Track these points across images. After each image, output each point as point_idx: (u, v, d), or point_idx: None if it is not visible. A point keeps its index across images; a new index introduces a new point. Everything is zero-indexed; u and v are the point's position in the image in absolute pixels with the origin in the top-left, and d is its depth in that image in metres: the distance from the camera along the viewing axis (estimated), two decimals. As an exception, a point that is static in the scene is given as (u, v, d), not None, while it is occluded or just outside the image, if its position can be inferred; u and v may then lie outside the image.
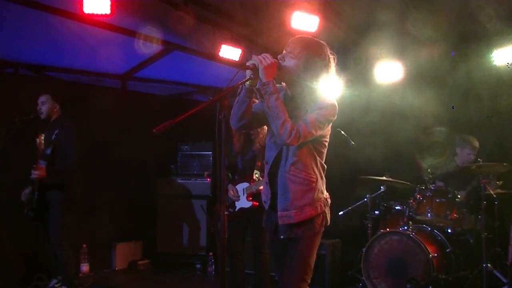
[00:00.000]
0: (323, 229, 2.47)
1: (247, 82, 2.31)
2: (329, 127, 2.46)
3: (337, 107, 2.41)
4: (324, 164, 2.50)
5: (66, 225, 4.20)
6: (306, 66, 2.37)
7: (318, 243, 2.48)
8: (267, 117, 2.39)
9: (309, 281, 2.43)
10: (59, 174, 4.14)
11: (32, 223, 4.33)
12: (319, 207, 2.42)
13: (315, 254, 2.47)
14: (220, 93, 2.16)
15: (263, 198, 2.61)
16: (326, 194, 2.50)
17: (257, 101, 2.51)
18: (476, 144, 4.70)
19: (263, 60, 2.27)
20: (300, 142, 2.30)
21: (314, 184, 2.42)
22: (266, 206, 2.57)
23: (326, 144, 2.50)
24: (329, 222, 2.50)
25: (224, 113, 2.13)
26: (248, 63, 2.29)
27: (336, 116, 2.42)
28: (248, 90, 2.34)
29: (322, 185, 2.47)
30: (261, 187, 3.66)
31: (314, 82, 2.40)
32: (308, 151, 2.41)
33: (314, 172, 2.43)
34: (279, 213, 2.43)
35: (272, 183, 2.48)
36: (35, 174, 4.03)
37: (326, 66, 2.43)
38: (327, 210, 2.49)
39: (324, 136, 2.45)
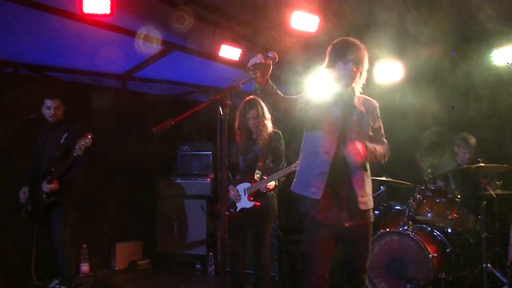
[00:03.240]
0: None
1: (256, 85, 2.36)
2: None
3: None
4: None
5: (70, 224, 4.23)
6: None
7: None
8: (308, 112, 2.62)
9: None
10: (69, 184, 4.19)
11: (32, 223, 4.33)
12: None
13: None
14: (222, 93, 2.16)
15: (312, 189, 2.62)
16: None
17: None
18: (471, 141, 4.69)
19: (359, 152, 2.56)
20: None
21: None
22: (318, 196, 2.60)
23: None
24: None
25: (225, 113, 2.13)
26: (249, 64, 2.30)
27: None
28: (261, 91, 2.42)
29: None
30: (270, 185, 3.67)
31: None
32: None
33: None
34: (359, 199, 2.62)
35: (332, 171, 2.59)
36: (47, 188, 4.07)
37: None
38: None
39: None
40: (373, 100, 2.84)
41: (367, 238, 2.72)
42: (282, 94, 2.53)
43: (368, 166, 2.72)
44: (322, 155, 2.61)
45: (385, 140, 2.82)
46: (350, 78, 2.66)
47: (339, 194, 2.62)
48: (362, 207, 2.63)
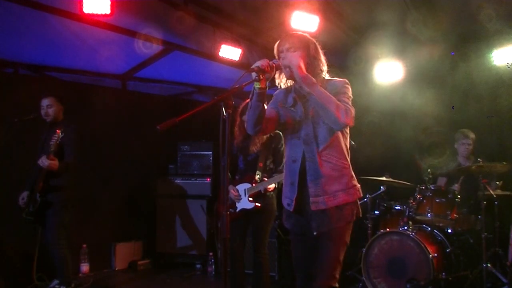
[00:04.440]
0: (355, 218, 2.44)
1: (257, 87, 2.32)
2: None
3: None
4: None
5: (63, 224, 4.20)
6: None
7: (349, 235, 2.43)
8: (280, 121, 2.51)
9: (338, 277, 2.38)
10: (65, 168, 4.12)
11: (34, 224, 4.33)
12: (352, 194, 2.41)
13: (345, 247, 2.42)
14: (225, 93, 2.16)
15: (286, 200, 2.52)
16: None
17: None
18: (471, 134, 4.73)
19: (293, 59, 2.33)
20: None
21: (346, 170, 2.42)
22: (291, 209, 2.47)
23: None
24: (360, 214, 2.48)
25: (228, 113, 2.13)
26: (253, 66, 2.29)
27: None
28: (259, 94, 2.34)
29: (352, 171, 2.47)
30: (271, 187, 3.67)
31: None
32: (338, 136, 2.42)
33: (346, 158, 2.44)
34: (311, 199, 2.37)
35: (301, 179, 2.42)
36: (45, 162, 3.94)
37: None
38: (358, 200, 2.48)
39: None
40: (340, 79, 2.48)
41: (334, 241, 2.38)
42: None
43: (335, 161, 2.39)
44: (290, 164, 2.47)
45: (350, 107, 2.35)
46: (286, 66, 2.40)
47: (305, 203, 2.42)
48: (317, 207, 2.37)
